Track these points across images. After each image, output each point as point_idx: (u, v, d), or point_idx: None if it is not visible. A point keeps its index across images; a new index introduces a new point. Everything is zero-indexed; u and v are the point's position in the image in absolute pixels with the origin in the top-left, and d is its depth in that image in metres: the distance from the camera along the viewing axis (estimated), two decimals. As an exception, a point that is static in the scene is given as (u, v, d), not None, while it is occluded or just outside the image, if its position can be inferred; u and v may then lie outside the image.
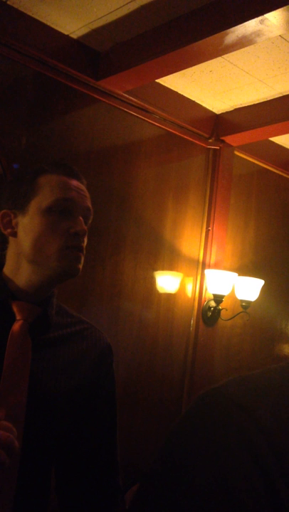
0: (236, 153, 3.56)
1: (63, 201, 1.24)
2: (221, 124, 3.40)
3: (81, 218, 1.25)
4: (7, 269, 1.27)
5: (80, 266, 1.24)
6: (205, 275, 3.31)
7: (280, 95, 3.11)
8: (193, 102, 3.28)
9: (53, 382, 1.22)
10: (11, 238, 1.27)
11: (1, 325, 1.21)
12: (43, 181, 1.26)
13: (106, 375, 1.34)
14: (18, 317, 1.21)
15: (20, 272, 1.24)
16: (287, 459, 0.46)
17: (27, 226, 1.24)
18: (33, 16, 2.51)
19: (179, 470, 0.47)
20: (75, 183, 1.29)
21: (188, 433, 0.49)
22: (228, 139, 3.41)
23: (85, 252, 1.26)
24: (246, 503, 0.43)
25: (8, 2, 2.42)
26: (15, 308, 1.22)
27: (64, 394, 1.23)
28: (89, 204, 1.30)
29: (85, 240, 1.27)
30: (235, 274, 3.27)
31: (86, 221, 1.29)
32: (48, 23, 2.57)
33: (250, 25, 2.18)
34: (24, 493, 1.14)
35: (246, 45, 2.37)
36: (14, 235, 1.26)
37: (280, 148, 3.79)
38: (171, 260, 3.24)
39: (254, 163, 3.71)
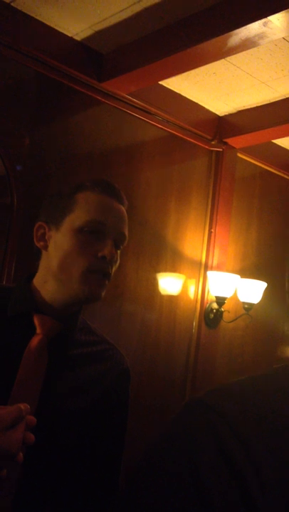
0: (239, 155, 3.56)
1: (96, 223, 1.21)
2: (223, 126, 3.40)
3: (111, 242, 1.23)
4: (36, 281, 1.26)
5: (103, 292, 1.22)
6: (207, 277, 3.31)
7: (283, 97, 3.10)
8: (196, 104, 3.28)
9: (64, 401, 1.20)
10: (43, 251, 1.26)
11: (21, 337, 1.19)
12: (80, 198, 1.24)
13: (120, 400, 1.31)
14: (38, 331, 1.20)
15: (46, 286, 1.23)
16: (263, 467, 0.48)
17: (58, 242, 1.22)
18: (36, 17, 2.52)
19: (157, 465, 0.52)
20: (113, 204, 1.26)
21: (169, 436, 0.54)
22: (231, 141, 3.41)
23: (111, 277, 1.24)
24: (212, 489, 0.47)
25: (12, 4, 2.43)
26: (36, 322, 1.20)
27: (73, 414, 1.21)
28: (124, 229, 1.28)
29: (114, 265, 1.25)
30: (238, 276, 3.26)
31: (118, 246, 1.26)
32: (52, 25, 2.58)
33: (254, 28, 2.19)
34: (22, 508, 1.13)
35: (249, 48, 2.37)
36: (46, 248, 1.25)
37: (282, 150, 3.79)
38: (174, 262, 3.24)
39: (257, 165, 3.70)
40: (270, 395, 0.55)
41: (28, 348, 1.17)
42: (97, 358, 1.29)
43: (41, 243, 1.26)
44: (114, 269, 1.25)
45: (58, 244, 1.22)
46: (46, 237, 1.25)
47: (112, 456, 1.29)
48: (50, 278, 1.23)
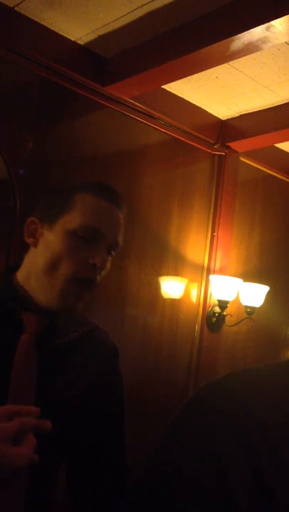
0: (241, 159, 3.56)
1: (90, 229, 1.19)
2: (226, 130, 3.41)
3: (104, 249, 1.20)
4: (20, 275, 1.24)
5: (80, 304, 1.20)
6: (210, 281, 3.31)
7: (286, 101, 3.11)
8: (199, 108, 3.29)
9: (60, 390, 1.21)
10: (31, 247, 1.24)
11: (9, 335, 1.18)
12: (78, 199, 1.21)
13: (113, 377, 1.32)
14: (27, 329, 1.19)
15: (29, 283, 1.21)
16: (280, 451, 0.49)
17: (48, 242, 1.20)
18: (40, 22, 2.53)
19: (177, 451, 0.52)
20: (111, 210, 1.24)
21: (188, 419, 0.54)
22: (234, 145, 3.41)
23: (94, 286, 1.21)
24: (234, 485, 0.48)
25: (15, 8, 2.44)
26: (25, 320, 1.19)
27: (72, 400, 1.21)
28: (118, 237, 1.25)
29: (103, 272, 1.22)
30: (240, 280, 3.26)
31: (110, 253, 1.24)
32: (55, 29, 2.59)
33: (257, 32, 2.19)
34: (29, 503, 1.13)
35: (252, 52, 2.37)
36: (35, 245, 1.22)
37: (285, 154, 3.80)
38: (176, 266, 3.24)
39: (259, 169, 3.71)
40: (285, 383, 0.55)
41: (19, 348, 1.16)
42: (84, 342, 1.28)
43: (31, 239, 1.23)
44: (101, 274, 1.23)
45: (48, 244, 1.20)
46: (37, 234, 1.23)
47: (115, 434, 1.29)
48: (33, 276, 1.21)
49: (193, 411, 0.54)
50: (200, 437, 0.51)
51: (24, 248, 1.26)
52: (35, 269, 1.20)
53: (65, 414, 1.20)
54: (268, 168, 3.73)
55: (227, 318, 3.33)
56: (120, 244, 1.26)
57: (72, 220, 1.19)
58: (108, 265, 1.25)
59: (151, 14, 2.39)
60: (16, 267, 1.26)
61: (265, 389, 0.54)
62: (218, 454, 0.48)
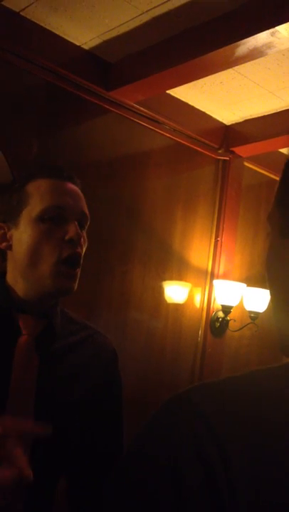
0: (246, 164, 3.56)
1: (55, 208, 1.18)
2: (230, 135, 3.41)
3: (76, 223, 1.19)
4: (9, 278, 1.24)
5: (74, 283, 1.19)
6: (213, 286, 3.31)
7: (291, 107, 3.11)
8: (204, 113, 3.29)
9: (60, 393, 1.20)
10: (8, 251, 1.23)
11: (6, 338, 1.18)
12: (31, 188, 1.20)
13: (112, 380, 1.32)
14: (23, 332, 1.18)
15: (18, 285, 1.21)
16: (234, 465, 0.50)
17: (20, 239, 1.19)
18: (45, 26, 2.54)
19: (139, 452, 0.55)
20: (67, 186, 1.23)
21: (149, 430, 0.56)
22: (238, 149, 3.42)
23: (81, 261, 1.21)
24: (187, 482, 0.50)
25: (21, 13, 2.45)
26: (20, 323, 1.19)
27: (72, 403, 1.21)
28: (84, 208, 1.24)
29: (83, 246, 1.22)
30: (244, 285, 3.26)
31: (82, 226, 1.23)
32: (61, 34, 2.60)
33: (262, 38, 2.19)
34: (30, 505, 1.13)
35: (257, 57, 2.38)
36: (10, 248, 1.22)
37: (289, 159, 3.79)
38: (180, 270, 3.24)
39: (263, 174, 3.71)
40: (253, 398, 0.56)
41: (18, 351, 1.16)
42: (83, 345, 1.28)
43: (3, 244, 1.22)
44: (83, 251, 1.22)
45: (20, 241, 1.19)
46: (8, 237, 1.22)
47: (114, 437, 1.29)
48: (20, 278, 1.20)
49: (156, 423, 0.57)
50: (159, 448, 0.53)
51: (3, 256, 1.26)
52: (19, 269, 1.20)
53: (65, 417, 1.20)
54: (272, 173, 3.73)
55: (231, 323, 3.32)
56: (88, 216, 1.25)
57: (33, 208, 1.18)
58: (85, 240, 1.24)
59: (156, 19, 2.39)
60: (4, 273, 1.26)
61: (225, 402, 0.55)
62: (174, 465, 0.51)
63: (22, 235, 1.19)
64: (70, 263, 1.17)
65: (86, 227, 1.25)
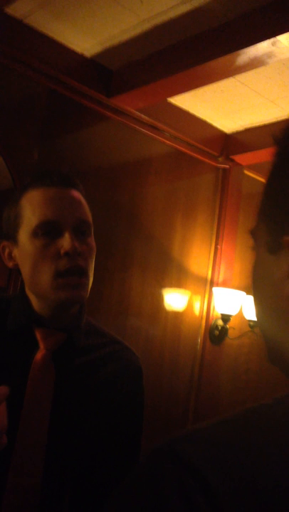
0: (246, 172, 3.57)
1: (47, 223, 1.11)
2: (230, 144, 3.42)
3: (70, 235, 1.12)
4: (28, 292, 1.20)
5: (82, 292, 1.13)
6: (213, 293, 3.30)
7: (291, 116, 3.12)
8: (204, 121, 3.30)
9: (78, 411, 1.16)
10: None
11: (24, 353, 1.15)
12: (24, 202, 1.15)
13: (136, 400, 1.25)
14: (41, 346, 1.14)
15: (33, 300, 1.18)
16: None
17: (21, 257, 1.15)
18: (47, 33, 2.55)
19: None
20: (61, 194, 1.15)
21: (136, 485, 0.49)
22: (238, 158, 3.42)
23: (88, 271, 1.14)
24: None
25: (23, 20, 2.46)
26: (38, 336, 1.15)
27: (89, 422, 1.16)
28: (82, 215, 1.15)
29: (89, 256, 1.15)
30: (244, 293, 3.26)
31: (83, 235, 1.15)
32: (62, 41, 2.61)
33: (262, 47, 2.20)
34: None
35: (258, 66, 2.39)
36: (17, 267, 1.18)
37: (289, 168, 3.80)
38: (179, 278, 3.24)
39: (263, 183, 3.70)
40: (246, 448, 0.50)
41: (33, 366, 1.13)
42: (107, 361, 1.22)
43: (11, 263, 1.19)
44: (90, 260, 1.16)
45: (22, 259, 1.15)
46: (13, 256, 1.18)
47: (130, 456, 1.22)
48: (30, 293, 1.18)
49: (142, 478, 0.50)
50: (148, 502, 0.48)
51: (19, 272, 1.22)
52: (28, 286, 1.17)
53: (82, 435, 1.16)
54: (272, 182, 3.74)
55: (230, 332, 3.32)
56: (87, 220, 1.17)
57: (28, 224, 1.13)
58: (93, 246, 1.18)
59: (157, 27, 2.40)
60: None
61: (224, 458, 0.49)
62: None
63: (22, 253, 1.15)
64: (70, 274, 1.11)
65: (90, 233, 1.18)
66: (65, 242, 1.11)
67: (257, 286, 0.64)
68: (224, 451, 0.49)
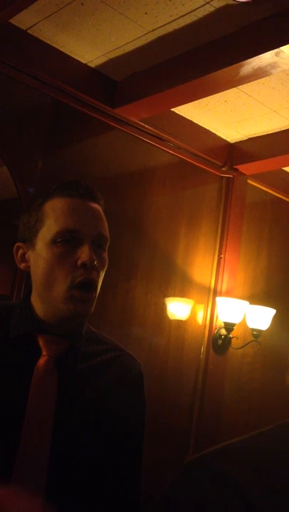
0: (249, 181, 3.57)
1: (68, 232, 1.13)
2: (234, 153, 3.43)
3: (89, 247, 1.14)
4: (32, 299, 1.21)
5: (90, 307, 1.15)
6: (216, 303, 3.30)
7: (294, 126, 3.13)
8: (208, 130, 3.31)
9: (80, 417, 1.16)
10: (30, 271, 1.20)
11: (27, 359, 1.15)
12: (48, 209, 1.16)
13: (137, 405, 1.26)
14: (43, 352, 1.15)
15: (38, 306, 1.18)
16: None
17: (36, 261, 1.16)
18: (52, 44, 2.57)
19: None
20: (84, 206, 1.17)
21: (175, 508, 0.48)
22: (242, 167, 3.43)
23: (98, 285, 1.16)
24: None
25: (28, 31, 2.48)
26: (41, 343, 1.16)
27: (92, 428, 1.17)
28: (102, 229, 1.18)
29: (102, 270, 1.17)
30: (247, 303, 3.25)
31: (99, 248, 1.17)
32: (67, 52, 2.63)
33: (266, 58, 2.22)
34: None
35: (261, 77, 2.40)
36: (28, 269, 1.19)
37: (293, 177, 3.81)
38: (183, 287, 3.24)
39: (267, 192, 3.72)
40: (278, 456, 0.50)
41: (36, 372, 1.13)
42: (108, 367, 1.23)
43: (23, 265, 1.20)
44: (102, 274, 1.18)
45: (36, 263, 1.16)
46: (26, 257, 1.19)
47: (132, 463, 1.23)
48: (38, 298, 1.18)
49: (179, 497, 0.49)
50: None
51: (28, 275, 1.23)
52: (37, 291, 1.18)
53: (84, 440, 1.16)
54: (275, 191, 3.74)
55: (233, 341, 3.31)
56: (106, 235, 1.20)
57: (48, 230, 1.14)
58: (106, 260, 1.20)
59: (161, 39, 2.42)
60: (30, 291, 1.23)
61: (253, 465, 0.49)
62: None
63: (38, 257, 1.16)
64: (83, 288, 1.13)
65: (106, 248, 1.20)
66: (84, 253, 1.13)
67: None
68: (259, 462, 0.49)
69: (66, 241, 1.13)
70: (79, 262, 1.12)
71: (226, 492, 0.46)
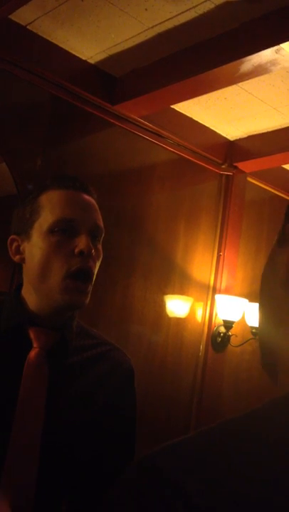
0: (249, 179, 3.57)
1: (65, 221, 1.15)
2: (234, 151, 3.42)
3: (87, 235, 1.15)
4: (23, 291, 1.22)
5: (86, 298, 1.16)
6: (215, 300, 3.30)
7: (294, 123, 3.13)
8: (207, 128, 3.31)
9: (71, 409, 1.17)
10: (23, 264, 1.21)
11: (17, 352, 1.16)
12: (44, 200, 1.18)
13: (127, 399, 1.27)
14: (34, 345, 1.15)
15: (31, 299, 1.19)
16: None
17: (32, 252, 1.17)
18: (52, 40, 2.56)
19: None
20: (80, 196, 1.20)
21: (117, 504, 0.49)
22: (241, 165, 3.43)
23: (93, 276, 1.17)
24: None
25: (28, 27, 2.47)
26: (32, 335, 1.16)
27: (81, 422, 1.18)
28: (97, 220, 1.20)
29: (97, 261, 1.19)
30: (246, 300, 3.25)
31: (95, 239, 1.19)
32: (67, 48, 2.62)
33: (266, 55, 2.21)
34: None
35: (261, 74, 2.39)
36: (23, 261, 1.20)
37: (292, 175, 3.81)
38: (182, 284, 3.24)
39: (266, 190, 3.71)
40: (232, 459, 0.49)
41: (27, 364, 1.14)
42: (98, 361, 1.25)
43: (17, 257, 1.21)
44: (97, 264, 1.19)
45: (32, 254, 1.17)
46: (21, 250, 1.20)
47: (124, 459, 1.23)
48: (32, 290, 1.18)
49: (124, 493, 0.50)
50: None
51: (20, 268, 1.24)
52: (31, 283, 1.18)
53: (75, 433, 1.16)
54: (275, 189, 3.74)
55: (232, 339, 3.31)
56: (102, 227, 1.21)
57: (45, 220, 1.16)
58: (101, 252, 1.21)
59: (161, 35, 2.42)
60: (21, 285, 1.24)
61: (198, 465, 0.49)
62: None
63: (33, 248, 1.16)
64: (80, 277, 1.14)
65: (100, 239, 1.21)
66: (82, 241, 1.14)
67: (262, 278, 0.64)
68: (201, 461, 0.49)
69: (63, 230, 1.15)
70: (76, 250, 1.13)
71: (168, 492, 0.46)
